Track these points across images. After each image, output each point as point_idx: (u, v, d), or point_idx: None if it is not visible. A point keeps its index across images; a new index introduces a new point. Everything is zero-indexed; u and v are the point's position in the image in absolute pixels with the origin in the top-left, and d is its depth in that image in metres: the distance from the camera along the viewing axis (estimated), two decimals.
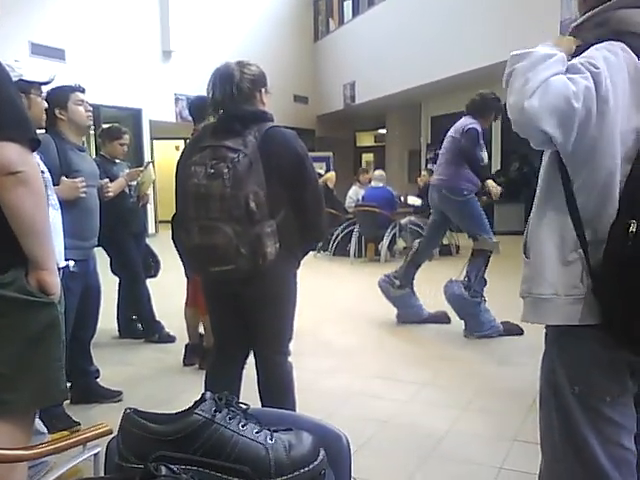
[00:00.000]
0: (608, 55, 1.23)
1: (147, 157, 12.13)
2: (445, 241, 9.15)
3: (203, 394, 0.98)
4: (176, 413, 0.97)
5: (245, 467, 0.90)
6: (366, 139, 18.83)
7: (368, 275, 6.92)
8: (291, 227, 2.29)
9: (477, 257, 4.70)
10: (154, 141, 12.93)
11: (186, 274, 3.87)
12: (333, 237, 9.26)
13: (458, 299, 4.60)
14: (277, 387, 2.51)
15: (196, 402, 0.97)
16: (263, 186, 2.15)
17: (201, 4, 13.09)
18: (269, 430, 0.97)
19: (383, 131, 17.33)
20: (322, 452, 0.98)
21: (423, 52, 11.63)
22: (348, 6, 15.15)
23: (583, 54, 1.26)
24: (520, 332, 4.51)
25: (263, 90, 2.37)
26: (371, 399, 3.48)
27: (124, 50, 11.62)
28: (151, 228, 12.12)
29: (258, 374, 2.47)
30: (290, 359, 2.47)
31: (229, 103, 2.26)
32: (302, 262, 2.46)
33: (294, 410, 2.51)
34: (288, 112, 16.27)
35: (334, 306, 5.95)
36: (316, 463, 0.95)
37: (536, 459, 2.62)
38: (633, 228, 1.15)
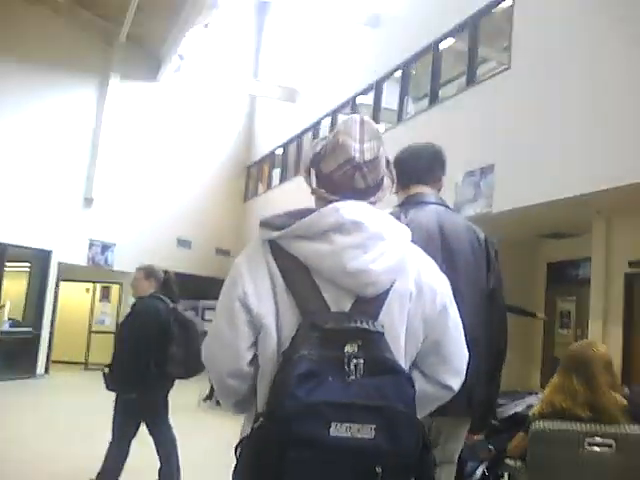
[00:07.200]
0: None
1: (50, 297, 11.96)
2: None
3: None
4: None
5: None
6: None
7: None
8: None
9: None
10: (63, 282, 12.70)
11: None
12: None
13: None
14: None
15: None
16: None
17: (129, 157, 13.40)
18: None
19: None
20: None
21: None
22: (276, 174, 15.84)
23: None
24: None
25: None
26: None
27: (46, 194, 11.79)
28: (40, 368, 11.34)
29: None
30: None
31: None
32: None
33: None
34: (210, 263, 15.96)
35: None
36: None
37: None
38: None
